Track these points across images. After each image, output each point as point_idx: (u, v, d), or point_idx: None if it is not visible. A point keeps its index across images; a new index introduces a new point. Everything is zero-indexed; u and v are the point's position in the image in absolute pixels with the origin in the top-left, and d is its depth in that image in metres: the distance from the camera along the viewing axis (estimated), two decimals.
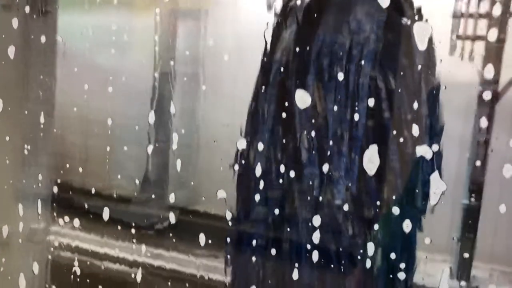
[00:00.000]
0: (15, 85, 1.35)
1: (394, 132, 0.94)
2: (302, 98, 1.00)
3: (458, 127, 0.97)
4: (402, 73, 0.93)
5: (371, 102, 0.94)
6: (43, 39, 1.28)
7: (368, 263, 0.97)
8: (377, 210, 0.97)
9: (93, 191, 1.29)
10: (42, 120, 1.31)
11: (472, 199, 1.00)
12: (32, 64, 1.33)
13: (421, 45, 0.90)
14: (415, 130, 0.93)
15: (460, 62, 0.96)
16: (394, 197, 0.96)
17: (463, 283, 1.03)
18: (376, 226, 0.97)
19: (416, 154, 0.93)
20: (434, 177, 0.91)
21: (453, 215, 1.00)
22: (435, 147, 0.92)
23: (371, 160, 0.96)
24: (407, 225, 0.93)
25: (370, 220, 0.97)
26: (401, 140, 0.94)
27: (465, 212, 1.01)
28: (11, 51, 1.27)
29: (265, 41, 1.02)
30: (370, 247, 0.97)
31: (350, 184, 0.97)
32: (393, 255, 0.96)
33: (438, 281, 0.98)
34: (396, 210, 0.94)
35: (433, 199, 0.92)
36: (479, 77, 0.93)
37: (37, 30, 1.29)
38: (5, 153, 1.38)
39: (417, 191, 0.94)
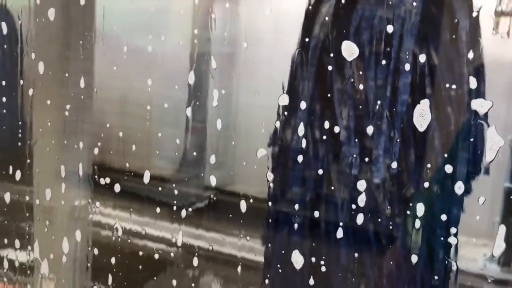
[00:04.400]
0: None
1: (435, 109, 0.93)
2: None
3: (502, 108, 0.94)
4: (444, 48, 0.91)
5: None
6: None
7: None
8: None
9: (132, 169, 1.32)
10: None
11: None
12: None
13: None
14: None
15: (506, 39, 0.93)
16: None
17: (504, 268, 1.01)
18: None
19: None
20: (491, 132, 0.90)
21: (496, 199, 0.97)
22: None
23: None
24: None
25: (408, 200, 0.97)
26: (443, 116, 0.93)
27: (507, 195, 0.98)
28: None
29: (304, 16, 1.02)
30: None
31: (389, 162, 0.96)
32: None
33: (479, 266, 0.96)
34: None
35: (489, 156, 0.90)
36: None
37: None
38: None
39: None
